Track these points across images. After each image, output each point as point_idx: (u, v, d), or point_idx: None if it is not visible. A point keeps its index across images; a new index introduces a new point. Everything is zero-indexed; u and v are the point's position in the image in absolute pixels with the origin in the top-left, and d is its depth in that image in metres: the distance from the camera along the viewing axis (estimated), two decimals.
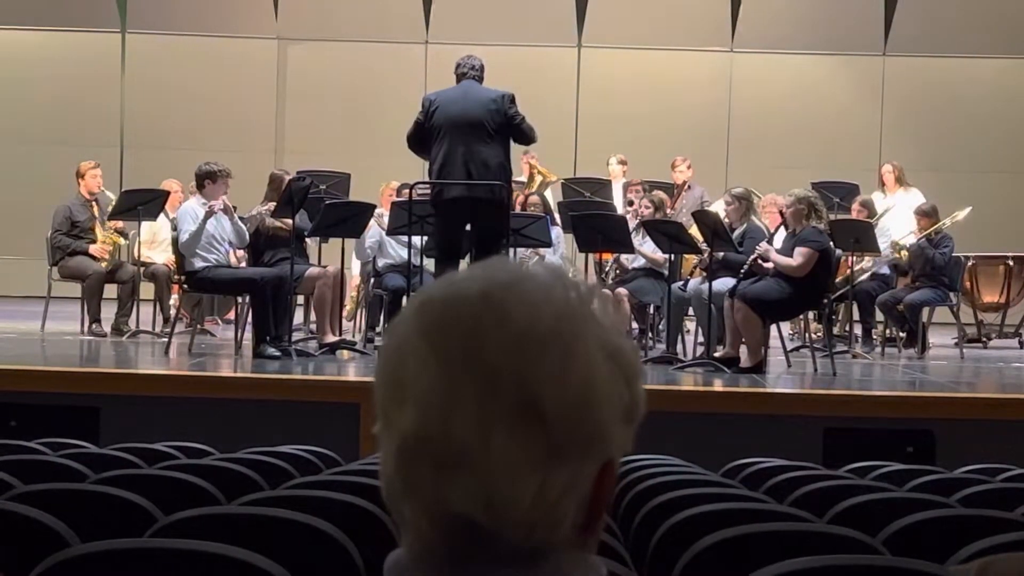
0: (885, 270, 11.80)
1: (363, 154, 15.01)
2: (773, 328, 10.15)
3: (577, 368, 1.20)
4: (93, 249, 11.37)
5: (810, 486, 4.67)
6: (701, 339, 10.54)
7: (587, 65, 16.60)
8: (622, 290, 10.80)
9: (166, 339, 10.29)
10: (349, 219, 10.55)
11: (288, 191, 9.90)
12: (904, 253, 11.74)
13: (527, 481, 1.19)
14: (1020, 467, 5.71)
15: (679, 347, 10.74)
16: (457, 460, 1.19)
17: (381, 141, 14.80)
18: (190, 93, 16.31)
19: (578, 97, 16.55)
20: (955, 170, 15.74)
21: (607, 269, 11.43)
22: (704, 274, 10.41)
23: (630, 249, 10.76)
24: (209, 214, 9.85)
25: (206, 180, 10.12)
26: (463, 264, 9.59)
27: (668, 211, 11.59)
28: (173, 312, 11.42)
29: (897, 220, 12.25)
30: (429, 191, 9.71)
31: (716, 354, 9.81)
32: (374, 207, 11.08)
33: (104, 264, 11.33)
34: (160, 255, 11.98)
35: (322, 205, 10.53)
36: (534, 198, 12.07)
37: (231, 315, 12.42)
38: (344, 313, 11.34)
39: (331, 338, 10.19)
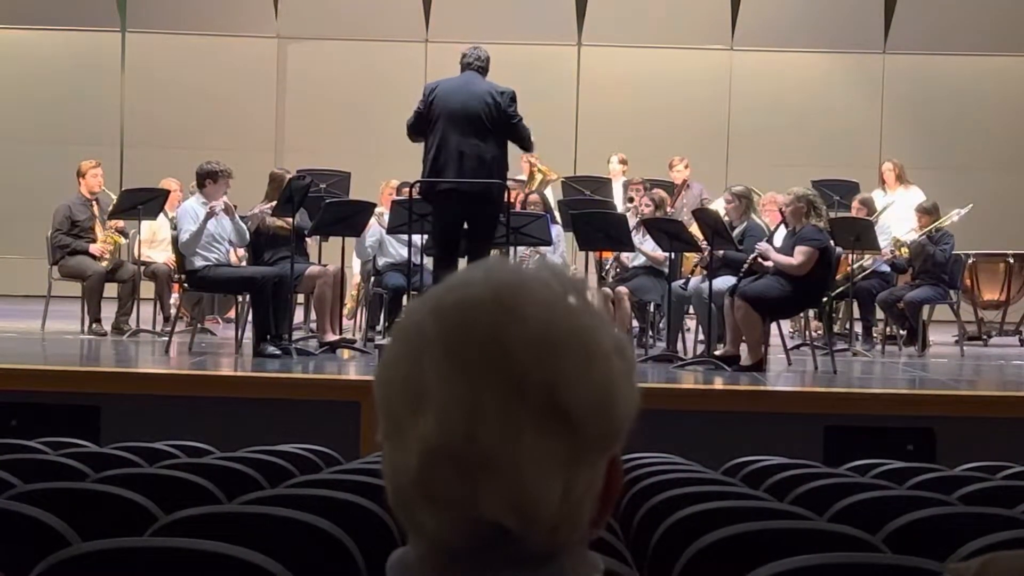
0: (884, 267, 11.80)
1: (363, 153, 15.01)
2: (773, 326, 10.15)
3: (598, 367, 1.21)
4: (93, 248, 11.36)
5: (810, 484, 4.66)
6: (701, 337, 10.54)
7: (587, 63, 16.60)
8: (622, 288, 10.79)
9: (166, 338, 10.29)
10: (349, 218, 10.55)
11: (288, 190, 9.90)
12: (905, 251, 11.74)
13: (554, 482, 1.20)
14: (1021, 465, 5.71)
15: (679, 345, 10.73)
16: (485, 466, 1.18)
17: (381, 140, 14.81)
18: (190, 92, 16.31)
19: (578, 95, 16.55)
20: (955, 168, 15.74)
21: (607, 267, 11.42)
22: (704, 272, 10.41)
23: (630, 248, 10.76)
24: (210, 215, 9.85)
25: (207, 179, 10.12)
26: (461, 263, 9.58)
27: (668, 209, 11.59)
28: (173, 311, 11.42)
29: (897, 218, 12.24)
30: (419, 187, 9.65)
31: (716, 352, 9.82)
32: (374, 206, 11.08)
33: (104, 263, 11.32)
34: (160, 254, 11.98)
35: (322, 204, 10.53)
36: (534, 196, 12.07)
37: (231, 314, 12.42)
38: (344, 312, 11.34)
39: (331, 337, 10.19)
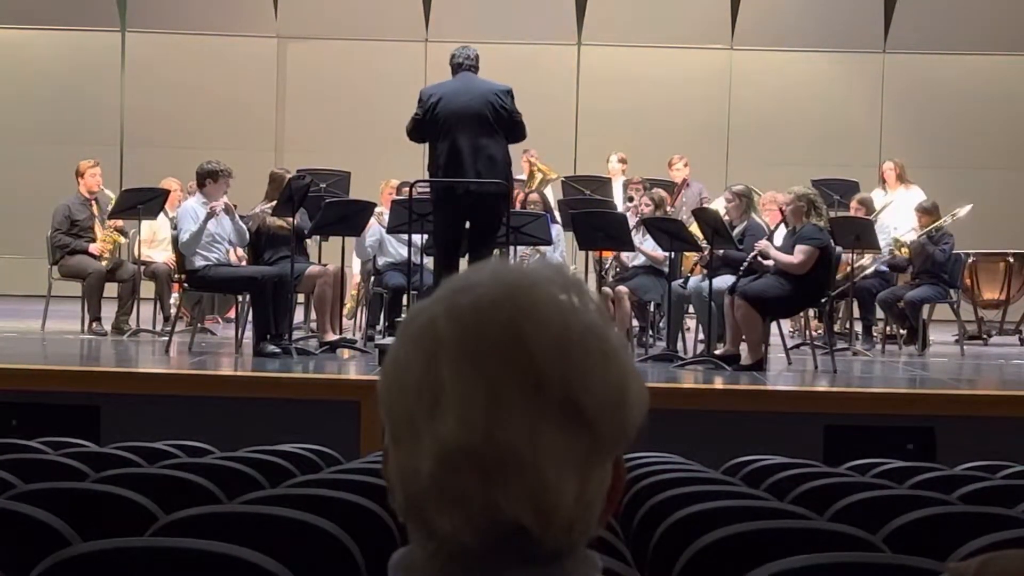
0: (884, 267, 11.80)
1: (363, 152, 15.01)
2: (773, 325, 10.15)
3: (614, 366, 1.22)
4: (93, 248, 11.36)
5: (811, 483, 4.67)
6: (701, 337, 10.54)
7: (587, 62, 16.60)
8: (622, 288, 10.79)
9: (166, 338, 10.29)
10: (349, 217, 10.55)
11: (288, 189, 9.90)
12: (905, 250, 11.74)
13: (571, 481, 1.21)
14: (1021, 464, 5.71)
15: (679, 345, 10.74)
16: (505, 466, 1.18)
17: (381, 139, 14.81)
18: (190, 92, 16.31)
19: (578, 94, 16.55)
20: (955, 167, 15.74)
21: (607, 267, 11.42)
22: (704, 271, 10.41)
23: (630, 247, 10.75)
24: (210, 215, 9.85)
25: (207, 179, 10.12)
26: (463, 262, 9.58)
27: (668, 209, 11.59)
28: (173, 311, 11.42)
29: (898, 217, 12.24)
30: (429, 189, 9.65)
31: (716, 352, 9.82)
32: (374, 205, 11.08)
33: (104, 263, 11.32)
34: (160, 254, 11.98)
35: (322, 203, 10.53)
36: (534, 196, 12.07)
37: (231, 314, 12.42)
38: (344, 311, 11.34)
39: (331, 336, 10.20)
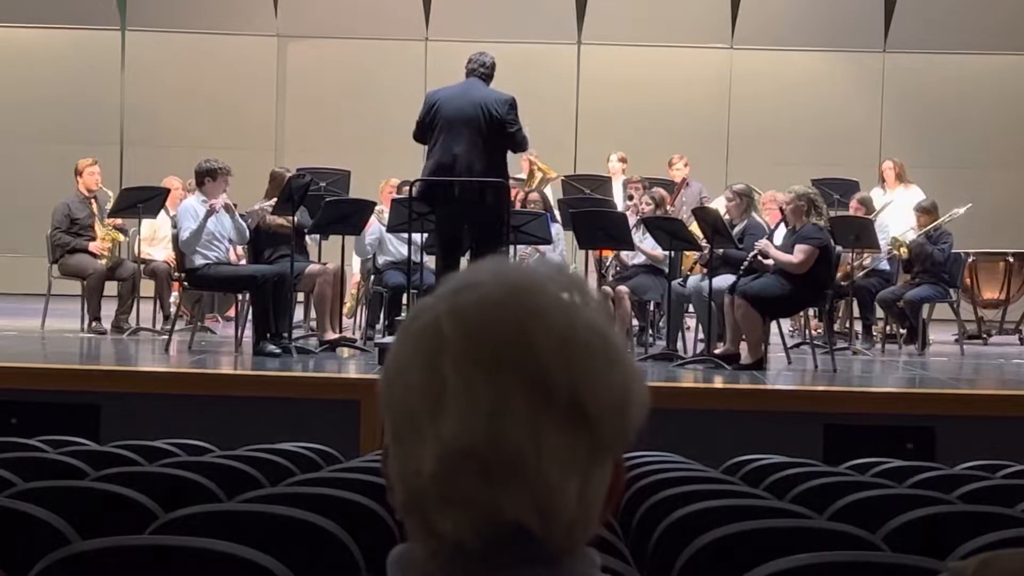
0: (884, 265, 11.80)
1: (363, 151, 15.00)
2: (773, 325, 10.15)
3: (617, 368, 1.22)
4: (93, 246, 11.37)
5: (810, 483, 4.67)
6: (701, 336, 10.54)
7: (587, 62, 16.59)
8: (622, 287, 10.79)
9: (166, 336, 10.29)
10: (349, 216, 10.56)
11: (288, 188, 9.90)
12: (904, 250, 11.74)
13: (573, 482, 1.21)
14: (1020, 463, 5.71)
15: (679, 344, 10.73)
16: (508, 466, 1.18)
17: (381, 138, 14.81)
18: (190, 91, 16.30)
19: (578, 94, 16.54)
20: (955, 166, 15.73)
21: (607, 266, 11.42)
22: (704, 271, 10.41)
23: (630, 246, 10.75)
24: (210, 213, 9.86)
25: (206, 178, 10.12)
26: (463, 261, 9.58)
27: (668, 208, 11.59)
28: (173, 309, 11.41)
29: (897, 217, 12.24)
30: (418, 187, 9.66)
31: (716, 351, 9.82)
32: (374, 204, 11.09)
33: (104, 261, 11.33)
34: (160, 252, 11.98)
35: (322, 202, 10.53)
36: (534, 195, 12.07)
37: (231, 312, 12.42)
38: (344, 310, 11.34)
39: (331, 335, 10.19)
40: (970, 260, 12.27)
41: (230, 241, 10.23)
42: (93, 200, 11.63)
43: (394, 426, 1.24)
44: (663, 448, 5.87)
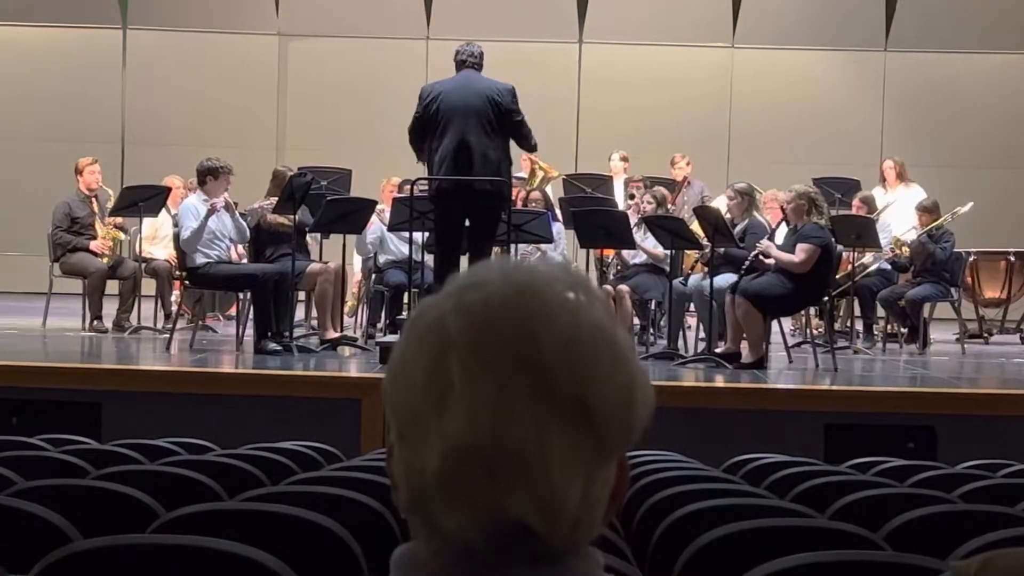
0: (885, 265, 11.80)
1: (364, 150, 15.00)
2: (775, 324, 10.15)
3: (622, 367, 1.23)
4: (94, 245, 11.37)
5: (811, 482, 4.67)
6: (702, 335, 10.54)
7: (588, 61, 16.59)
8: (624, 286, 10.79)
9: (167, 335, 10.29)
10: (350, 215, 10.55)
11: (289, 187, 9.90)
12: (905, 249, 11.74)
13: (577, 482, 1.21)
14: (1021, 462, 5.71)
15: (680, 343, 10.73)
16: (512, 464, 1.18)
17: (382, 137, 14.80)
18: (191, 89, 16.31)
19: (579, 93, 16.54)
20: (956, 166, 15.73)
21: (609, 265, 11.42)
22: (705, 270, 10.41)
23: (632, 245, 10.75)
24: (211, 212, 9.85)
25: (207, 176, 10.12)
26: (463, 260, 9.58)
27: (669, 207, 11.58)
28: (174, 308, 11.41)
29: (898, 216, 12.24)
30: (427, 185, 9.65)
31: (717, 350, 9.82)
32: (375, 203, 11.08)
33: (105, 260, 11.33)
34: (161, 251, 11.98)
35: (323, 201, 10.52)
36: (536, 194, 12.06)
37: (232, 311, 12.42)
38: (345, 309, 11.34)
39: (332, 334, 10.19)
40: (971, 259, 12.27)
41: (231, 240, 10.23)
42: (94, 199, 11.63)
43: (398, 424, 1.24)
44: (664, 447, 5.87)
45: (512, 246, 10.38)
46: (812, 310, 10.68)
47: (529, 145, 9.63)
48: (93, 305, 11.13)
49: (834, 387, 8.84)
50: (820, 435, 7.81)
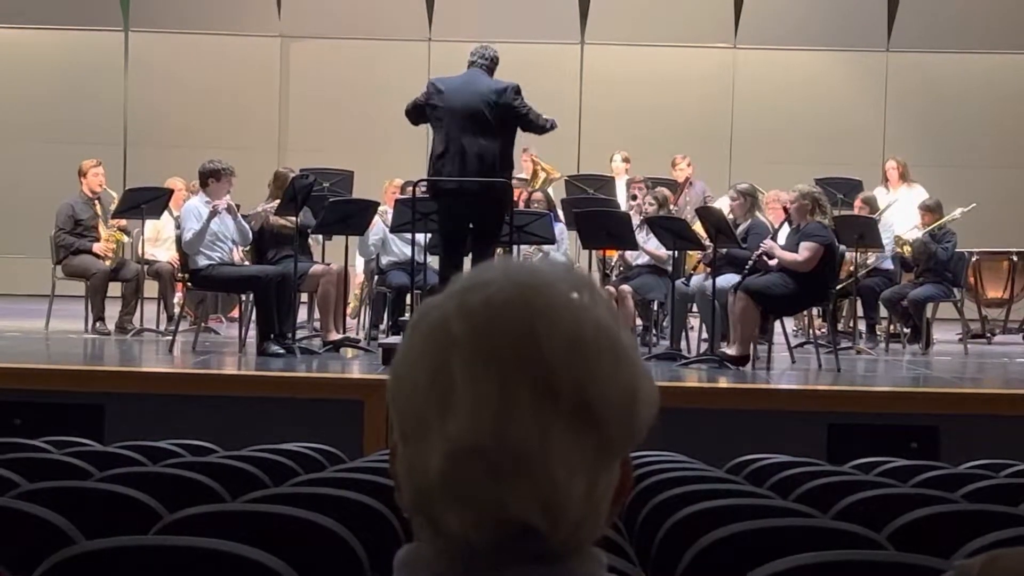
0: (888, 265, 11.80)
1: (366, 151, 15.01)
2: (777, 324, 10.15)
3: (626, 368, 1.23)
4: (97, 247, 11.38)
5: (814, 482, 4.67)
6: (705, 336, 10.54)
7: (590, 62, 16.59)
8: (626, 287, 10.79)
9: (170, 337, 10.29)
10: (353, 216, 10.55)
11: (292, 189, 9.91)
12: (907, 249, 11.74)
13: (580, 481, 1.21)
14: None
15: (683, 343, 10.73)
16: (515, 464, 1.18)
17: (384, 138, 14.82)
18: (193, 91, 16.31)
19: (581, 94, 16.54)
20: (958, 165, 15.72)
21: (611, 266, 11.42)
22: (708, 270, 10.41)
23: (634, 246, 10.75)
24: (213, 214, 9.86)
25: (210, 178, 10.12)
26: (466, 261, 9.58)
27: (671, 208, 11.59)
28: (177, 310, 11.42)
29: (900, 216, 12.24)
30: (426, 186, 9.67)
31: (720, 350, 9.81)
32: (377, 204, 11.08)
33: (108, 262, 11.33)
34: (164, 253, 11.99)
35: (326, 203, 10.53)
36: (538, 195, 12.06)
37: (235, 313, 12.42)
38: (348, 311, 11.34)
39: (335, 336, 10.19)
40: (974, 259, 12.27)
41: (233, 242, 10.23)
42: (97, 201, 11.64)
43: (402, 425, 1.24)
44: (667, 447, 5.87)
45: (514, 247, 10.38)
46: (815, 310, 10.67)
47: (544, 129, 9.57)
48: (95, 307, 11.13)
49: (837, 387, 8.83)
50: (823, 435, 7.81)
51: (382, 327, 11.17)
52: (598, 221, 10.56)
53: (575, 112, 16.42)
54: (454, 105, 9.26)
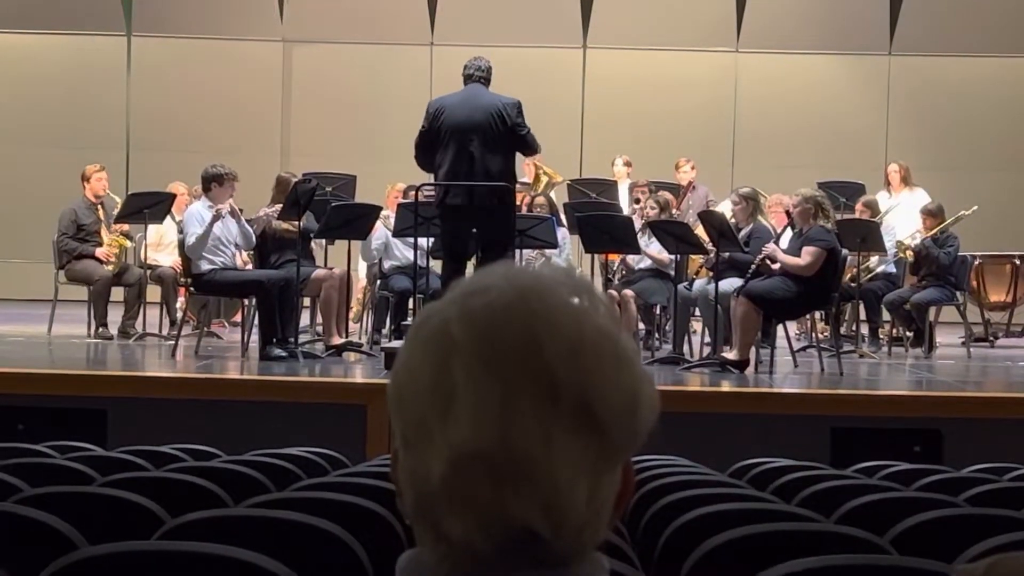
0: (891, 268, 11.80)
1: (369, 156, 15.01)
2: (780, 327, 10.14)
3: (627, 372, 1.23)
4: (99, 252, 11.38)
5: (817, 486, 4.66)
6: (707, 339, 10.54)
7: (592, 66, 16.59)
8: (628, 291, 10.80)
9: (173, 342, 10.30)
10: (355, 221, 10.56)
11: (294, 193, 9.91)
12: (909, 253, 11.74)
13: (583, 486, 1.21)
14: None
15: (685, 347, 10.73)
16: (518, 469, 1.18)
17: (386, 143, 14.80)
18: (195, 95, 16.32)
19: (583, 98, 16.54)
20: (960, 169, 15.72)
21: (613, 270, 11.42)
22: (710, 274, 10.41)
23: (636, 250, 10.75)
24: (216, 218, 9.86)
25: (212, 183, 10.13)
26: (469, 266, 9.58)
27: (674, 211, 11.59)
28: (180, 315, 11.42)
29: (903, 220, 12.24)
30: (434, 196, 9.68)
31: (722, 354, 9.80)
32: (380, 209, 11.09)
33: (110, 267, 11.34)
34: (167, 258, 11.99)
35: (328, 207, 10.53)
36: (540, 199, 12.06)
37: (238, 317, 12.42)
38: (350, 315, 11.34)
39: (337, 340, 10.20)
40: (976, 263, 12.27)
41: (236, 246, 10.24)
42: (100, 206, 11.65)
43: (403, 430, 1.24)
44: (670, 452, 5.87)
45: (517, 251, 10.38)
46: (817, 314, 10.66)
47: (533, 151, 9.66)
48: (98, 312, 11.13)
49: (840, 391, 8.83)
50: (826, 439, 7.80)
51: (384, 331, 11.18)
52: (600, 225, 10.56)
53: (577, 116, 16.43)
54: (458, 120, 9.29)
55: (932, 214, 11.78)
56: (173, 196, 11.83)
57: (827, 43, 16.38)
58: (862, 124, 16.34)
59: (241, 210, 10.23)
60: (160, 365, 9.77)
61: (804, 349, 11.05)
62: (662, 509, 4.19)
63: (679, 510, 3.99)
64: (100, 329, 11.10)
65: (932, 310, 11.56)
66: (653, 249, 10.88)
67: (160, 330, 11.37)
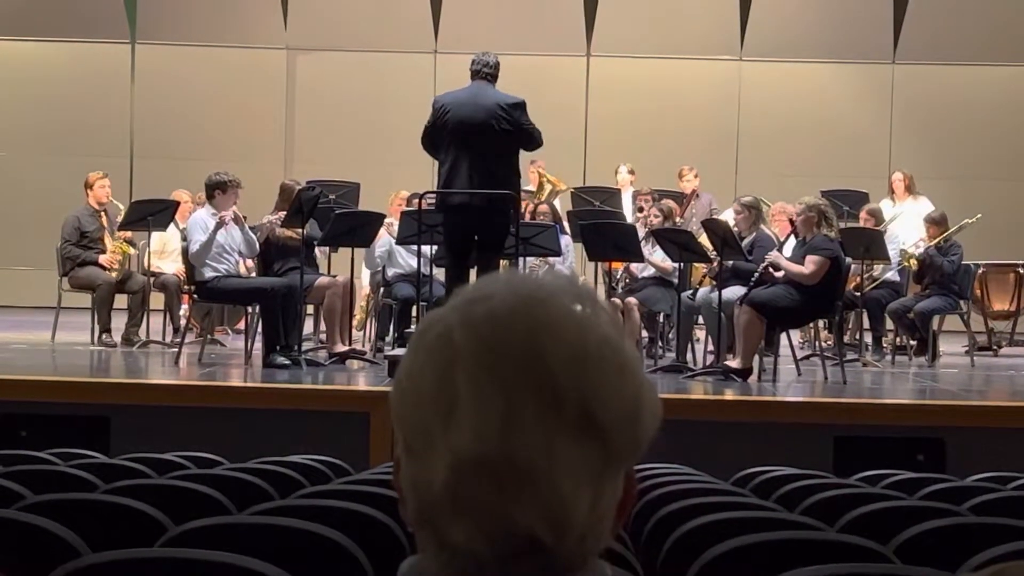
0: (895, 277, 11.80)
1: (372, 163, 15.02)
2: (783, 336, 10.14)
3: (629, 380, 1.23)
4: (103, 259, 11.39)
5: (820, 495, 4.66)
6: (711, 348, 10.53)
7: (596, 74, 16.60)
8: (632, 299, 10.79)
9: (176, 349, 10.30)
10: (359, 228, 10.56)
11: (298, 201, 9.91)
12: (913, 261, 11.73)
13: (585, 493, 1.21)
14: None
15: (689, 356, 10.73)
16: (520, 476, 1.18)
17: (390, 150, 14.82)
18: (199, 103, 16.34)
19: (587, 106, 16.55)
20: (964, 178, 15.72)
21: (617, 278, 11.42)
22: (713, 283, 10.40)
23: (640, 258, 10.74)
24: (219, 225, 9.87)
25: (216, 190, 10.13)
26: (472, 272, 9.58)
27: (677, 220, 11.58)
28: (183, 322, 11.43)
29: (906, 228, 12.24)
30: (434, 200, 9.67)
31: (726, 363, 9.80)
32: (383, 216, 11.09)
33: (114, 274, 11.34)
34: (170, 265, 12.00)
35: (332, 215, 10.54)
36: (544, 207, 12.07)
37: (241, 325, 12.43)
38: (354, 323, 11.34)
39: (341, 347, 10.19)
40: (980, 271, 12.26)
41: (240, 254, 10.24)
42: (103, 213, 11.65)
43: (406, 437, 1.24)
44: (673, 460, 5.87)
45: (520, 259, 10.38)
46: (821, 322, 10.66)
47: (537, 144, 9.55)
48: (101, 319, 11.14)
49: (843, 400, 8.82)
50: (829, 448, 7.79)
51: (388, 339, 11.17)
52: (604, 233, 10.56)
53: (581, 124, 16.44)
54: (462, 118, 9.26)
55: (936, 223, 11.77)
56: (177, 203, 11.84)
57: (831, 52, 16.39)
58: (866, 133, 16.34)
59: (245, 217, 10.24)
60: (163, 372, 9.77)
61: (807, 358, 11.05)
62: (665, 517, 4.18)
63: (682, 518, 3.99)
64: (103, 336, 11.10)
65: (936, 319, 11.56)
66: (657, 257, 10.87)
67: (163, 337, 11.37)
